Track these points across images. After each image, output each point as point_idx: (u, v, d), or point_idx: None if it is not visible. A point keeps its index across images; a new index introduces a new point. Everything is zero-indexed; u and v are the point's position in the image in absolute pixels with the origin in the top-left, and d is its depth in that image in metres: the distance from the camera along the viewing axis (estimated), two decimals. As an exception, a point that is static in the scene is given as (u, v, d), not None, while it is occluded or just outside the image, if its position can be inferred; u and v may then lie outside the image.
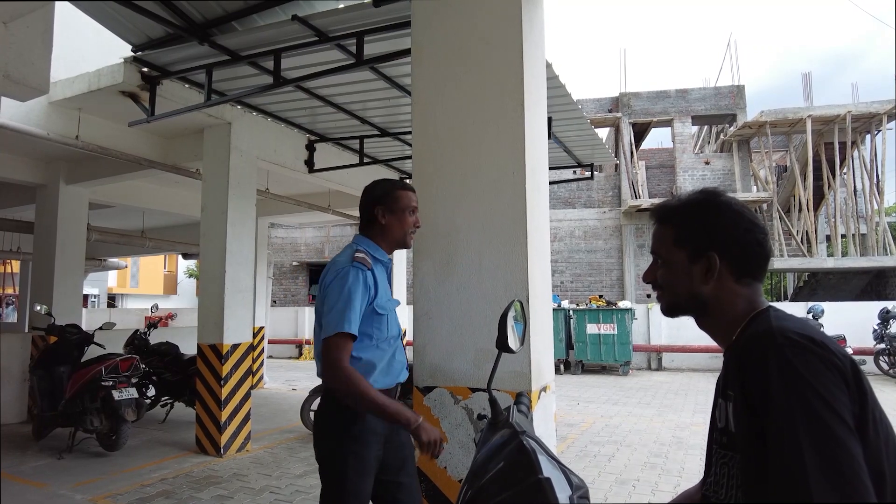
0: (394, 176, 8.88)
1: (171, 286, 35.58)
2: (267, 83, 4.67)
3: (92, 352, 6.06)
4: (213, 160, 6.00)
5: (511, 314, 1.43)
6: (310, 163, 7.01)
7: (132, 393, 5.53)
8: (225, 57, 4.56)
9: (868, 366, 10.40)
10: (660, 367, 12.64)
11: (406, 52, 3.95)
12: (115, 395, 5.37)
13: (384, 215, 2.16)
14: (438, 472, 2.54)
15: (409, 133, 6.71)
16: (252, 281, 6.21)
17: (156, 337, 7.74)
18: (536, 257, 2.59)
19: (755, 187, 17.16)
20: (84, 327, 6.69)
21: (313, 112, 6.21)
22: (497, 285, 2.49)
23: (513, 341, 1.42)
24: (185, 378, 6.74)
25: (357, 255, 2.05)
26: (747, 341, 1.01)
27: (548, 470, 1.09)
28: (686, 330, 12.47)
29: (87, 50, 5.58)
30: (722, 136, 18.24)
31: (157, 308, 8.58)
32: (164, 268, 35.00)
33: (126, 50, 4.69)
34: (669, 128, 17.86)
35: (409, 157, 7.41)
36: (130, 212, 10.14)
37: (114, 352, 6.04)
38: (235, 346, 5.85)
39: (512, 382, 2.42)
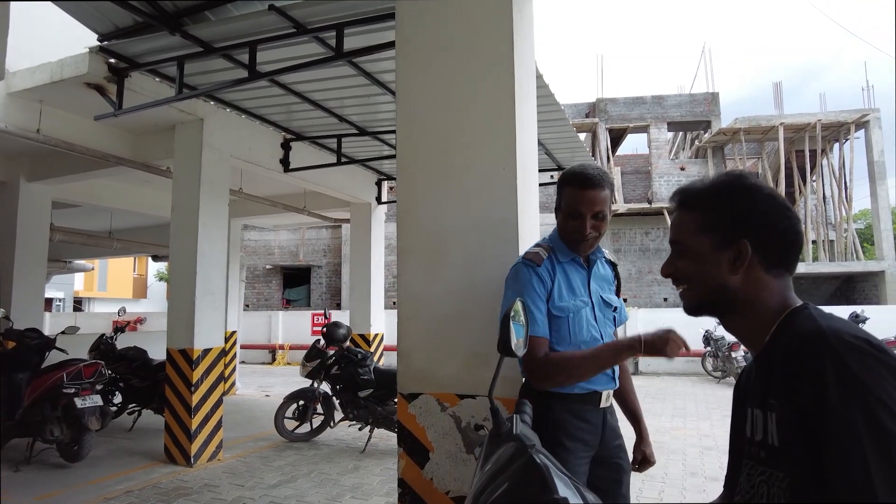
0: (371, 176, 8.72)
1: (140, 290, 34.66)
2: (242, 77, 4.48)
3: (53, 357, 5.76)
4: (184, 157, 5.77)
5: (513, 315, 1.30)
6: (285, 162, 6.80)
7: (96, 400, 5.26)
8: (197, 49, 4.36)
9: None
10: (637, 371, 12.67)
11: (387, 46, 3.83)
12: (78, 402, 5.10)
13: (557, 209, 1.96)
14: (424, 484, 2.40)
15: (389, 132, 6.63)
16: (224, 283, 5.99)
17: (124, 342, 7.44)
18: (528, 257, 2.47)
19: (729, 193, 17.37)
20: (46, 332, 6.38)
21: (289, 109, 6.03)
22: (487, 286, 2.36)
23: (516, 344, 1.29)
24: (154, 384, 6.48)
25: (531, 249, 1.91)
26: (793, 344, 0.89)
27: (563, 489, 0.96)
28: (662, 334, 12.52)
29: (53, 40, 5.31)
30: (697, 143, 18.49)
31: (124, 312, 8.26)
32: (134, 271, 34.09)
33: (93, 39, 4.46)
34: (645, 134, 18.03)
35: (388, 158, 7.26)
36: (98, 212, 9.77)
37: (77, 357, 5.75)
38: (207, 351, 5.62)
39: (503, 388, 2.29)
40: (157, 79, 5.10)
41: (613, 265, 2.12)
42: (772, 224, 1.01)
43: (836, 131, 16.20)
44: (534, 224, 2.61)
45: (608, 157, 17.64)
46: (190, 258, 5.59)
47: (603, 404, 1.92)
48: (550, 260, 1.92)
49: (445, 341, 2.42)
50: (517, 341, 1.30)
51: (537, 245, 1.98)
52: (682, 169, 17.41)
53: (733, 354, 10.41)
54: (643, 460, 2.11)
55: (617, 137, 18.99)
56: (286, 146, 6.82)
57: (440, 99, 2.54)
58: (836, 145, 16.71)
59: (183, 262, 5.65)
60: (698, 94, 17.85)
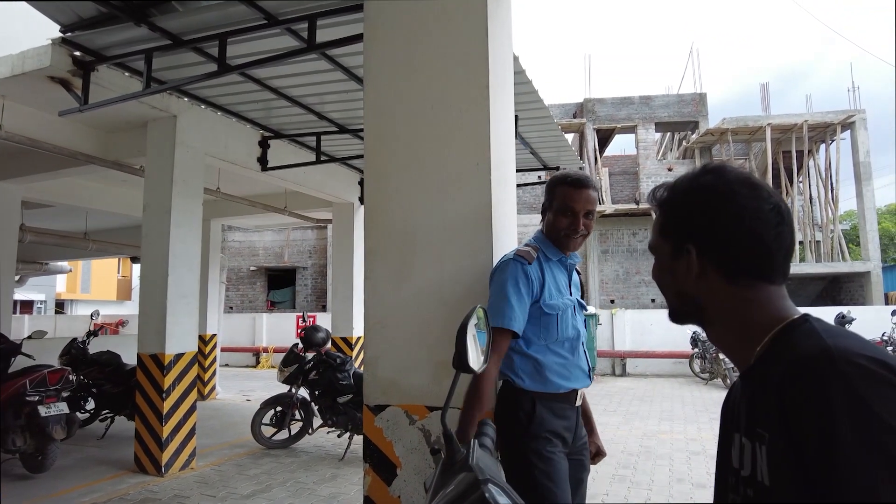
0: (352, 175, 8.54)
1: (124, 292, 34.16)
2: (212, 71, 4.30)
3: (20, 363, 5.53)
4: (156, 155, 5.57)
5: (472, 323, 1.14)
6: (263, 160, 6.61)
7: (62, 408, 5.04)
8: (166, 41, 4.18)
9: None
10: (624, 373, 12.57)
11: (360, 37, 3.65)
12: (42, 410, 4.89)
13: (546, 209, 2.06)
14: (391, 502, 2.24)
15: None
16: (197, 286, 5.78)
17: (103, 345, 7.20)
18: (503, 259, 2.31)
19: (716, 194, 17.35)
20: (26, 335, 6.14)
21: (267, 106, 5.84)
22: (459, 290, 2.20)
23: (474, 358, 1.13)
24: (128, 390, 6.25)
25: (522, 248, 1.99)
26: (794, 367, 0.73)
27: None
28: (650, 335, 12.47)
29: (14, 31, 5.10)
30: (685, 143, 18.47)
31: (98, 315, 8.02)
32: (118, 272, 33.60)
33: (55, 31, 4.25)
34: (633, 134, 17.97)
35: (370, 157, 7.07)
36: (73, 212, 9.51)
37: (44, 363, 5.52)
38: (179, 356, 5.42)
39: (475, 400, 2.13)
40: (125, 73, 4.90)
41: (579, 273, 2.22)
42: (724, 227, 0.86)
43: (823, 132, 16.23)
44: (510, 223, 2.46)
45: (596, 158, 17.56)
46: (161, 260, 5.39)
47: (577, 402, 2.01)
48: (539, 260, 1.99)
49: (414, 349, 2.26)
50: (476, 355, 1.14)
51: (526, 245, 2.03)
52: (670, 170, 17.36)
53: (721, 356, 10.33)
54: (597, 453, 2.18)
55: (605, 138, 18.92)
56: (264, 144, 6.63)
57: (410, 90, 2.39)
58: (823, 146, 16.75)
59: (154, 264, 5.45)
60: (686, 94, 17.82)
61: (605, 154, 19.45)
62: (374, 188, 2.42)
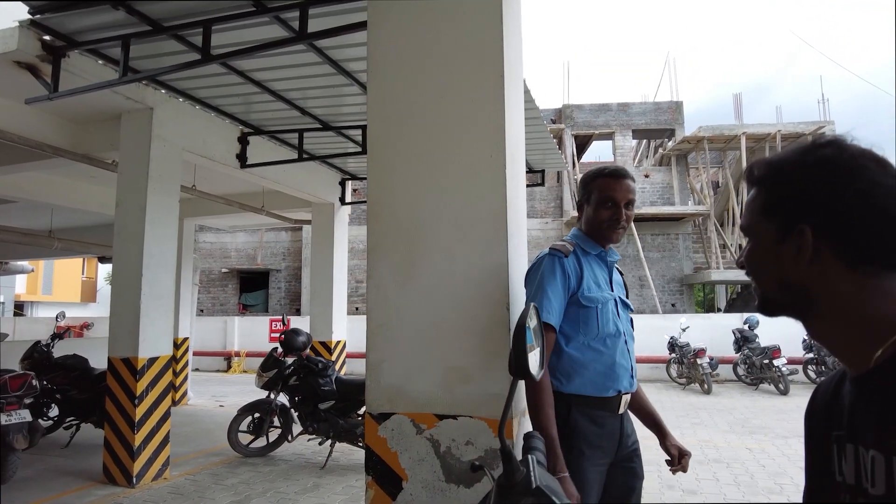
0: (334, 175, 8.35)
1: (89, 293, 33.10)
2: (194, 60, 4.08)
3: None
4: (131, 149, 5.30)
5: (531, 324, 1.00)
6: (242, 157, 6.37)
7: (24, 416, 4.74)
8: (145, 27, 3.96)
9: (798, 375, 10.68)
10: (602, 378, 12.57)
11: (357, 27, 3.50)
12: (2, 418, 4.58)
13: (583, 205, 2.04)
14: (396, 518, 2.08)
15: (355, 128, 6.28)
16: (173, 287, 5.53)
17: (67, 349, 6.85)
18: (517, 257, 2.18)
19: (691, 200, 17.60)
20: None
21: (248, 100, 5.63)
22: (471, 290, 2.06)
23: (534, 363, 0.99)
24: (95, 396, 5.93)
25: (558, 242, 1.95)
26: None
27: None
28: (628, 340, 12.48)
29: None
30: (661, 150, 18.67)
31: (63, 317, 7.64)
32: (83, 273, 32.54)
33: (23, 12, 3.99)
34: (610, 140, 18.12)
35: (354, 155, 6.90)
36: (38, 209, 9.09)
37: (6, 368, 5.20)
38: (153, 360, 5.16)
39: (489, 407, 1.99)
40: (99, 60, 4.64)
41: (622, 273, 2.16)
42: (850, 205, 0.75)
43: (794, 142, 16.58)
44: (522, 220, 2.33)
45: (574, 163, 17.64)
46: (135, 259, 5.13)
47: (621, 410, 1.93)
48: (576, 254, 1.94)
49: (422, 353, 2.11)
50: (535, 360, 1.00)
51: (562, 240, 1.99)
52: (647, 176, 17.54)
53: (698, 361, 10.37)
54: (680, 454, 2.06)
55: (582, 144, 19.04)
56: (244, 140, 6.40)
57: (419, 79, 2.24)
58: (794, 156, 17.10)
59: (127, 264, 5.18)
60: (663, 102, 18.04)
61: (582, 160, 19.57)
62: (378, 182, 2.26)
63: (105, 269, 31.14)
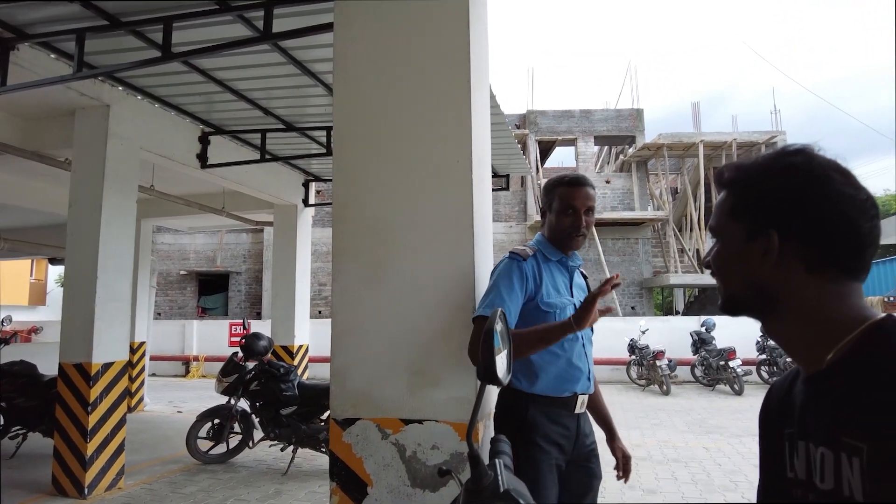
0: (297, 176, 8.24)
1: (38, 296, 31.74)
2: (154, 57, 3.97)
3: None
4: (85, 147, 5.12)
5: (497, 328, 1.01)
6: (203, 157, 6.23)
7: (-33, 425, 4.51)
8: (102, 22, 3.84)
9: (752, 376, 11.03)
10: (565, 380, 12.73)
11: (323, 28, 3.47)
12: (-56, 428, 4.35)
13: (546, 212, 2.08)
14: (361, 524, 2.06)
15: (319, 129, 6.22)
16: (130, 289, 5.36)
17: (12, 355, 6.55)
18: (483, 261, 2.20)
19: (651, 206, 18.02)
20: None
21: (210, 99, 5.51)
22: (439, 294, 2.07)
23: (502, 368, 1.00)
24: (44, 403, 5.70)
25: (518, 246, 2.00)
26: None
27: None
28: (589, 343, 12.68)
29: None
30: (622, 157, 19.05)
31: (9, 321, 7.32)
32: (31, 275, 31.22)
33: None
34: (573, 146, 18.40)
35: (318, 156, 6.82)
36: (-16, 208, 8.69)
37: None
38: (108, 366, 4.99)
39: (455, 411, 2.00)
40: (51, 55, 4.47)
41: (585, 276, 2.21)
42: (816, 212, 0.78)
43: (749, 150, 17.15)
44: (488, 224, 2.35)
45: (537, 169, 17.85)
46: (90, 261, 4.95)
47: (578, 410, 1.97)
48: (535, 259, 1.97)
49: (388, 357, 2.10)
50: (503, 364, 1.01)
51: (523, 245, 2.03)
52: (608, 182, 17.88)
53: (657, 363, 10.62)
54: (624, 459, 2.17)
55: (546, 149, 19.28)
56: (204, 140, 6.26)
57: (385, 81, 2.24)
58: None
59: (81, 266, 5.00)
60: (624, 109, 18.43)
61: (545, 165, 19.81)
62: (344, 184, 2.24)
63: (56, 272, 29.94)
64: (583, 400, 1.98)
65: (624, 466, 2.17)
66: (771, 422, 0.91)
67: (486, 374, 0.96)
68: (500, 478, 0.91)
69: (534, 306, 1.91)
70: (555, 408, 1.91)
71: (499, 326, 1.02)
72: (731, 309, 0.89)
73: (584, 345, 2.02)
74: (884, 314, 0.77)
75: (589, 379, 2.02)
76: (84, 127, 5.14)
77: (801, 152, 0.81)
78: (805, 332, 0.80)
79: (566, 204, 1.98)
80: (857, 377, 0.72)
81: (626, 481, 2.20)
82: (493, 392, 2.14)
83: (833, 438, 0.73)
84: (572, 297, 2.04)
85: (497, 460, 0.98)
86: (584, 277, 2.20)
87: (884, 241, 11.68)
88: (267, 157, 6.62)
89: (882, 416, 0.66)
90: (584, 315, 1.73)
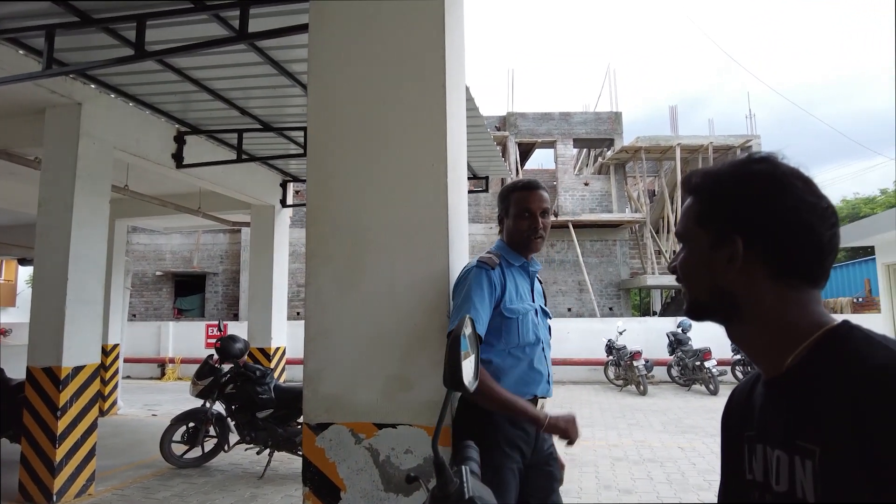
0: (274, 177, 8.17)
1: (8, 297, 30.94)
2: (127, 55, 3.91)
3: None
4: (56, 146, 5.02)
5: (466, 333, 1.01)
6: (178, 157, 6.14)
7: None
8: (72, 18, 3.77)
9: (727, 376, 11.20)
10: (544, 381, 12.79)
11: (299, 29, 3.45)
12: None
13: (504, 218, 2.10)
14: (334, 529, 2.05)
15: (297, 129, 6.17)
16: (102, 291, 5.26)
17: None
18: (458, 265, 2.20)
19: (629, 208, 18.21)
20: None
21: (186, 98, 5.44)
22: (413, 298, 2.06)
23: (469, 375, 1.00)
24: (12, 408, 5.56)
25: (484, 255, 2.01)
26: (871, 379, 0.67)
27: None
28: (568, 343, 12.77)
29: None
30: (600, 159, 19.24)
31: (-23, 323, 7.12)
32: (0, 276, 30.48)
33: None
34: (553, 149, 18.52)
35: (296, 157, 6.78)
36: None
37: None
38: (79, 369, 4.89)
39: (429, 415, 2.00)
40: (19, 51, 4.37)
41: (541, 283, 2.25)
42: (778, 221, 0.79)
43: (725, 154, 17.43)
44: (464, 228, 2.35)
45: (517, 170, 17.93)
46: (60, 262, 4.85)
47: None
48: (501, 266, 1.99)
49: (362, 361, 2.09)
50: (469, 371, 1.01)
51: (487, 253, 2.04)
52: (587, 184, 18.02)
53: (635, 363, 10.73)
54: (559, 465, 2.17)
55: (526, 151, 19.39)
56: (180, 140, 6.17)
57: (361, 84, 2.23)
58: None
59: (51, 267, 4.89)
60: (603, 112, 18.60)
61: (525, 167, 19.91)
62: (318, 186, 2.23)
63: (26, 272, 29.26)
64: (542, 404, 2.02)
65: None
66: (732, 424, 0.93)
67: (452, 380, 0.96)
68: (465, 485, 0.91)
69: (498, 312, 1.93)
70: None
71: (467, 331, 1.02)
72: (696, 314, 0.90)
73: (543, 349, 2.04)
74: (839, 321, 0.79)
75: (549, 382, 2.05)
76: (55, 125, 5.03)
77: (765, 160, 0.83)
78: (766, 337, 0.81)
79: (522, 208, 2.02)
80: (811, 382, 0.74)
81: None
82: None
83: (788, 442, 0.74)
84: (533, 300, 2.07)
85: (464, 467, 0.98)
86: (541, 283, 2.23)
87: (853, 243, 11.96)
88: (244, 157, 6.56)
89: (833, 421, 0.68)
90: (558, 429, 1.84)
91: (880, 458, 0.62)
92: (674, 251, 17.03)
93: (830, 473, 0.67)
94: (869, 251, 13.67)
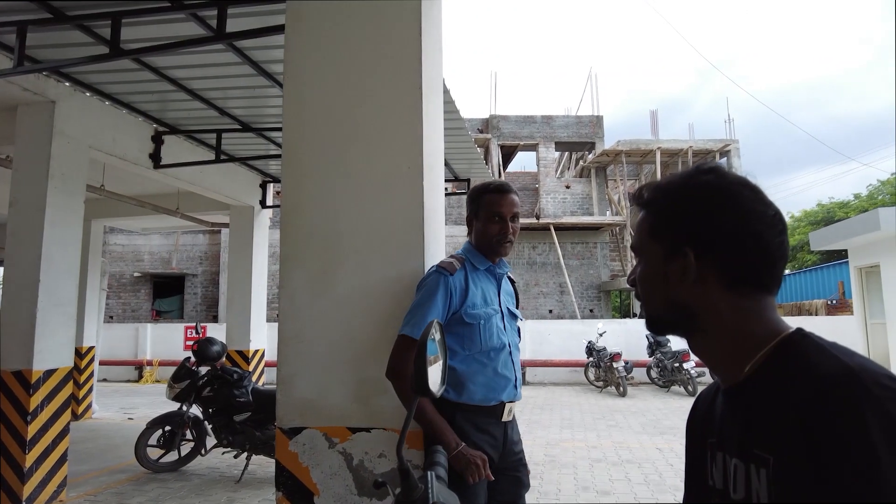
0: (254, 177, 8.11)
1: (-20, 298, 30.33)
2: (101, 54, 3.85)
3: None
4: (28, 145, 4.92)
5: (433, 338, 1.01)
6: (156, 157, 6.06)
7: None
8: (45, 15, 3.70)
9: (706, 377, 11.34)
10: (524, 382, 12.85)
11: (276, 29, 3.42)
12: None
13: (473, 220, 2.06)
14: (307, 534, 2.03)
15: (276, 129, 6.13)
16: (76, 293, 5.17)
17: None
18: (433, 268, 2.20)
19: (609, 211, 18.37)
20: None
21: (163, 98, 5.37)
22: (387, 301, 2.06)
23: (434, 380, 1.00)
24: (-19, 412, 5.45)
25: (445, 259, 1.96)
26: (819, 389, 0.67)
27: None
28: (548, 345, 12.86)
29: None
30: (581, 163, 19.38)
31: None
32: (-27, 277, 29.78)
33: None
34: (535, 152, 18.62)
35: (274, 157, 6.74)
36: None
37: None
38: (50, 373, 4.79)
39: (403, 418, 1.99)
40: (-9, 48, 4.29)
41: (513, 282, 2.22)
42: (728, 230, 0.80)
43: (704, 158, 17.67)
44: (440, 231, 2.35)
45: (500, 173, 17.99)
46: (32, 263, 4.76)
47: (505, 418, 1.98)
48: (464, 270, 1.96)
49: (336, 365, 2.08)
50: (435, 376, 1.01)
51: (451, 256, 2.00)
52: (568, 187, 18.15)
53: (615, 365, 10.82)
54: None
55: (508, 154, 19.47)
56: (158, 139, 6.09)
57: (336, 86, 2.22)
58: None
59: (22, 268, 4.79)
60: (584, 116, 18.75)
61: (508, 169, 19.99)
62: (293, 189, 2.21)
63: None
64: (510, 408, 1.99)
65: None
66: (696, 431, 0.93)
67: (419, 385, 0.96)
68: (430, 490, 0.91)
69: (458, 318, 1.90)
70: (482, 416, 1.91)
71: (436, 336, 1.02)
72: (656, 328, 0.90)
73: (510, 353, 2.02)
74: (793, 328, 0.80)
75: (516, 387, 2.02)
76: (27, 123, 4.94)
77: (713, 171, 0.84)
78: (723, 347, 0.82)
79: (492, 211, 1.98)
80: (766, 391, 0.74)
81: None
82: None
83: (745, 450, 0.75)
84: (500, 304, 2.03)
85: (429, 472, 0.98)
86: (512, 282, 2.20)
87: (827, 246, 12.16)
88: (223, 157, 6.49)
89: (785, 430, 0.68)
90: (459, 463, 1.72)
91: (827, 465, 0.63)
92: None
93: (783, 482, 0.68)
94: (843, 254, 13.96)
